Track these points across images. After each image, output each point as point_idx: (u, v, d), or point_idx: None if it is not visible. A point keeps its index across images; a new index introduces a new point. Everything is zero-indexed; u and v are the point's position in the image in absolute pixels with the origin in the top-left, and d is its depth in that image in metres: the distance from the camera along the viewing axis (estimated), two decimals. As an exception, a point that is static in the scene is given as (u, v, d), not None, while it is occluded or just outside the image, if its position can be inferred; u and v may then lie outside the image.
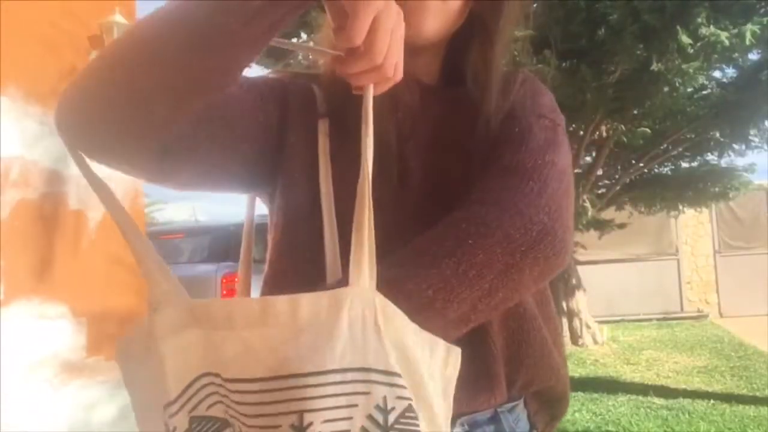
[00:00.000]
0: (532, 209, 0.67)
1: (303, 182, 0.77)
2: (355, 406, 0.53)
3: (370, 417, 0.53)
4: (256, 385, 0.53)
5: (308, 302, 0.55)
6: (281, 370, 0.53)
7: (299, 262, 0.76)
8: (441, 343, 0.60)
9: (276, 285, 0.78)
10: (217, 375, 0.55)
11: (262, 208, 0.89)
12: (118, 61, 0.60)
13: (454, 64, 0.86)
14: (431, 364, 0.59)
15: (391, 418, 0.54)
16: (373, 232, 0.57)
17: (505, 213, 0.66)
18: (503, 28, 0.84)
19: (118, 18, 3.26)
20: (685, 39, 4.82)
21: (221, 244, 6.44)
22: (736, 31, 4.78)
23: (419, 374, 0.57)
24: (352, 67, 0.62)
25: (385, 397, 0.53)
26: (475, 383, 0.75)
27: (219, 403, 0.56)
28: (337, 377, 0.53)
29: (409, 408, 0.55)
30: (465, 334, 0.67)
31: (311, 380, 0.52)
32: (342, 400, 0.53)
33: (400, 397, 0.55)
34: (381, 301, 0.56)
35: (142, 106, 0.59)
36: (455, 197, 0.73)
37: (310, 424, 0.51)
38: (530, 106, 0.81)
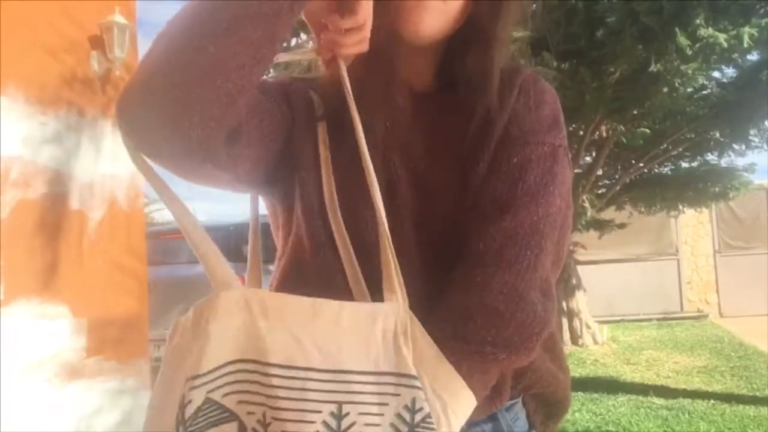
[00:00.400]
0: (529, 306, 0.72)
1: (310, 183, 0.77)
2: (387, 404, 0.60)
3: (399, 415, 0.60)
4: (302, 372, 0.60)
5: (350, 310, 0.63)
6: (325, 364, 0.60)
7: (316, 264, 0.76)
8: (464, 388, 0.65)
9: (294, 275, 0.79)
10: (254, 361, 0.60)
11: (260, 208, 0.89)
12: (176, 48, 0.62)
13: (448, 70, 0.85)
14: (441, 396, 0.64)
15: (417, 417, 0.60)
16: (394, 255, 0.66)
17: (501, 319, 0.70)
18: (502, 31, 0.83)
19: (118, 18, 3.26)
20: (683, 40, 4.82)
21: (221, 244, 6.39)
22: (734, 32, 4.78)
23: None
24: (344, 24, 0.70)
25: (414, 399, 0.61)
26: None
27: (240, 393, 0.60)
28: (372, 378, 0.61)
29: (429, 414, 0.61)
30: None
31: (351, 377, 0.60)
32: (375, 398, 0.60)
33: (424, 401, 0.61)
34: (412, 318, 0.64)
35: (207, 83, 0.61)
36: (443, 207, 0.77)
37: (347, 413, 0.59)
38: (529, 123, 0.79)
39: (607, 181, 8.04)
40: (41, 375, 2.88)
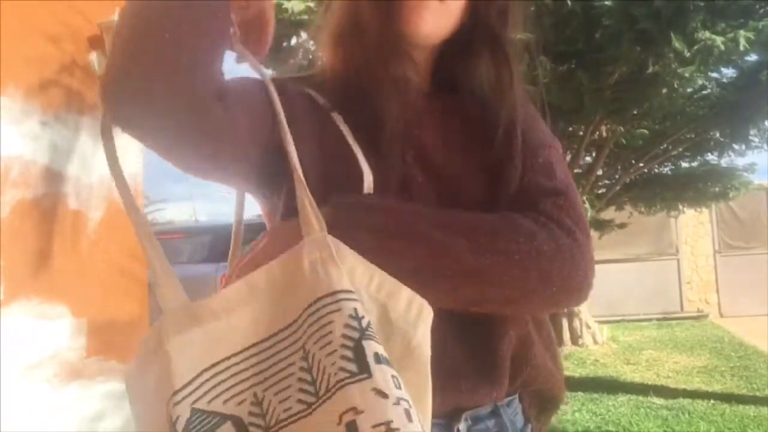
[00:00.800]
0: (581, 262, 0.81)
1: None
2: (332, 322, 0.60)
3: (347, 325, 0.60)
4: (268, 341, 0.62)
5: (279, 263, 0.65)
6: (282, 322, 0.62)
7: None
8: (404, 291, 0.67)
9: None
10: (226, 359, 0.62)
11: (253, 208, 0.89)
12: (140, 33, 0.66)
13: (446, 71, 0.86)
14: (380, 300, 0.66)
15: (364, 323, 0.60)
16: (309, 193, 0.67)
17: (558, 254, 0.76)
18: (511, 31, 0.85)
19: (118, 18, 3.26)
20: (679, 45, 4.82)
21: (221, 244, 6.44)
22: (731, 35, 4.78)
23: (361, 298, 0.64)
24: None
25: (355, 309, 0.61)
26: (479, 377, 0.78)
27: (224, 392, 0.61)
28: (313, 308, 0.61)
29: (370, 321, 0.62)
30: (477, 327, 0.75)
31: (301, 319, 0.62)
32: (320, 323, 0.60)
33: (364, 309, 0.62)
34: (333, 241, 0.65)
35: (182, 51, 0.65)
36: (466, 205, 0.77)
37: (309, 350, 0.60)
38: (539, 131, 0.87)
39: (607, 181, 8.04)
40: (41, 375, 2.88)
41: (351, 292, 0.63)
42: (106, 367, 3.17)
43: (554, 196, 0.79)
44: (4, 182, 2.84)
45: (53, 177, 3.09)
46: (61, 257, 3.05)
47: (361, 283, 0.65)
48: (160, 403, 0.61)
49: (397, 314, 0.66)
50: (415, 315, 0.66)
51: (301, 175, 0.69)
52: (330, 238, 0.66)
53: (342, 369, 0.58)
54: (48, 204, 3.04)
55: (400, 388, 0.58)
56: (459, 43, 0.84)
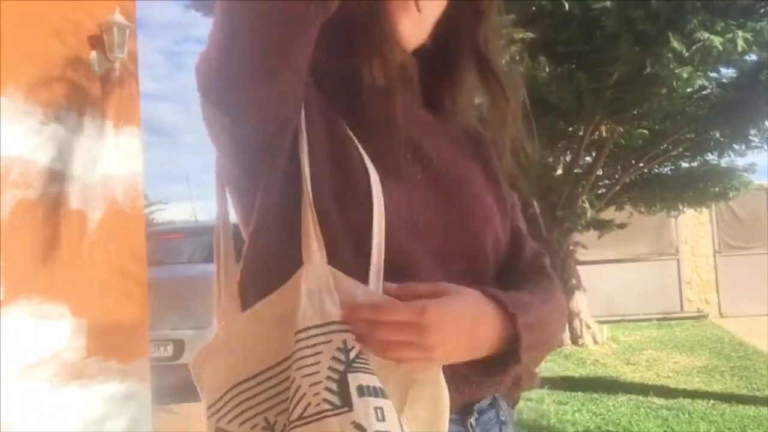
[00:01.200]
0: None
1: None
2: (321, 353, 0.63)
3: (334, 358, 0.63)
4: (275, 368, 0.67)
5: (278, 292, 0.69)
6: (284, 350, 0.66)
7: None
8: None
9: None
10: (247, 380, 0.68)
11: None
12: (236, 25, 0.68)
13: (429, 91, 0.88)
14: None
15: (352, 355, 0.63)
16: (315, 217, 0.69)
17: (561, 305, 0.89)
18: (490, 40, 0.87)
19: (118, 18, 3.26)
20: (677, 45, 4.82)
21: (221, 244, 6.41)
22: (729, 35, 4.78)
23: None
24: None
25: (344, 341, 0.64)
26: (497, 374, 0.80)
27: (242, 413, 0.68)
28: (303, 335, 0.64)
29: (362, 350, 0.65)
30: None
31: (294, 346, 0.64)
32: (310, 351, 0.64)
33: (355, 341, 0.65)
34: (332, 270, 0.67)
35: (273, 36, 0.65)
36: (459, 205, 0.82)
37: (294, 378, 0.63)
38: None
39: (607, 181, 8.04)
40: (41, 375, 2.88)
41: (340, 323, 0.65)
42: (106, 367, 3.17)
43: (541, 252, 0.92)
44: (4, 182, 2.84)
45: (53, 177, 3.09)
46: (61, 257, 3.05)
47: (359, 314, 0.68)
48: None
49: None
50: None
51: (311, 196, 0.70)
52: (330, 269, 0.68)
53: (325, 400, 0.61)
54: (48, 204, 3.04)
55: (383, 419, 0.61)
56: (445, 65, 0.88)
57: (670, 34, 4.81)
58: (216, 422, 0.68)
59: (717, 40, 4.71)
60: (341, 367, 0.62)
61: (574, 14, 5.37)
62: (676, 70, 5.04)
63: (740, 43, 4.71)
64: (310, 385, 0.62)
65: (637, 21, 4.95)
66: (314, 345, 0.64)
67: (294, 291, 0.67)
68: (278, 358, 0.67)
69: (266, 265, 0.76)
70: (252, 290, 0.76)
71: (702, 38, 4.76)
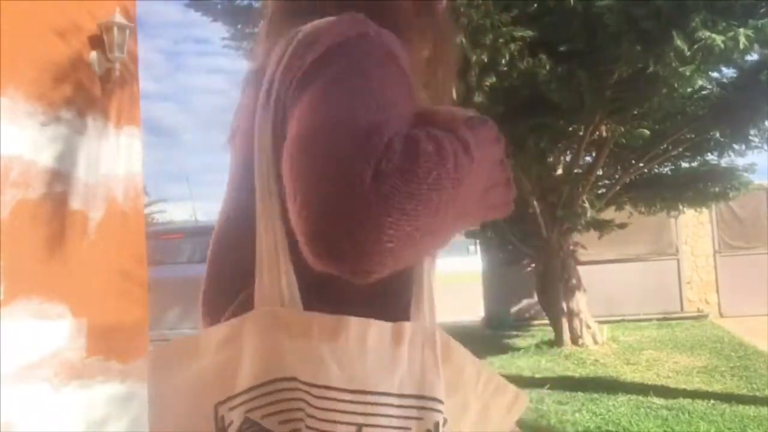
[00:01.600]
0: None
1: None
2: (409, 429, 0.59)
3: None
4: (325, 391, 0.59)
5: (376, 329, 0.60)
6: (349, 384, 0.58)
7: None
8: (510, 389, 0.69)
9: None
10: (294, 379, 0.60)
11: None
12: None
13: None
14: (484, 398, 0.68)
15: None
16: (428, 276, 0.65)
17: None
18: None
19: (118, 18, 3.26)
20: (680, 43, 4.82)
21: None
22: (731, 34, 4.78)
23: (466, 399, 0.65)
24: None
25: (437, 423, 0.60)
26: None
27: (281, 413, 0.60)
28: (395, 401, 0.59)
29: None
30: None
31: (374, 399, 0.58)
32: (396, 422, 0.59)
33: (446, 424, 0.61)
34: (442, 336, 0.63)
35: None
36: None
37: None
38: None
39: (607, 181, 8.04)
40: (41, 375, 2.88)
41: (440, 402, 0.61)
42: (106, 367, 3.17)
43: None
44: (4, 182, 2.83)
45: (53, 177, 3.09)
46: (61, 257, 3.05)
47: (469, 381, 0.66)
48: (202, 399, 0.61)
49: (497, 411, 0.68)
50: (515, 411, 0.69)
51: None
52: (439, 332, 0.63)
53: None
54: (48, 204, 3.04)
55: None
56: None
57: (674, 32, 4.80)
58: (245, 413, 0.60)
59: (719, 39, 4.71)
60: None
61: (576, 12, 5.37)
62: (679, 69, 5.03)
63: (742, 40, 4.70)
64: None
65: (639, 19, 4.95)
66: (405, 417, 0.59)
67: (393, 342, 0.61)
68: (332, 383, 0.59)
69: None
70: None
71: (704, 37, 4.76)
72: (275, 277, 0.61)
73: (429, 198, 0.51)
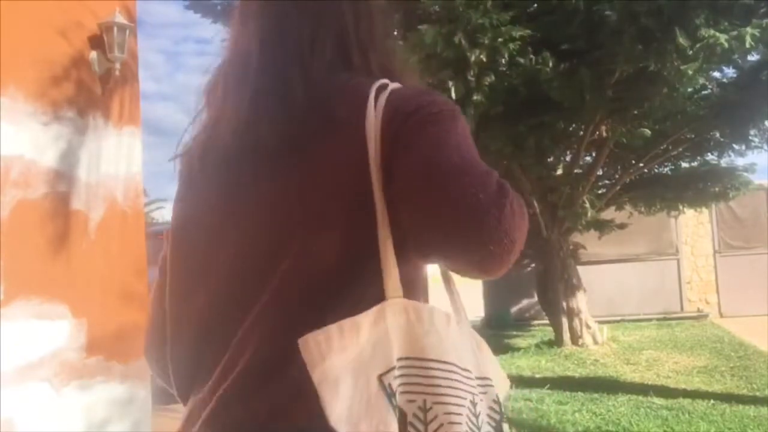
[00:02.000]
0: None
1: None
2: (482, 401, 0.78)
3: (491, 408, 0.80)
4: (450, 366, 0.74)
5: (456, 320, 0.80)
6: (461, 362, 0.76)
7: None
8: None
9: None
10: (415, 358, 0.73)
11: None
12: None
13: None
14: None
15: (502, 409, 0.80)
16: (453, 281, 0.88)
17: None
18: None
19: (118, 18, 3.26)
20: (682, 41, 4.82)
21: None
22: (735, 33, 4.77)
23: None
24: None
25: (496, 395, 0.81)
26: None
27: (403, 385, 0.72)
28: (478, 381, 0.79)
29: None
30: None
31: (470, 375, 0.77)
32: (478, 397, 0.77)
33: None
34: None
35: None
36: None
37: (476, 403, 0.77)
38: None
39: (607, 181, 8.04)
40: (41, 375, 2.88)
41: (490, 380, 0.82)
42: (106, 368, 3.17)
43: None
44: (4, 182, 2.83)
45: (53, 177, 3.09)
46: (61, 257, 3.05)
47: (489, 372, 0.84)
48: (374, 366, 0.72)
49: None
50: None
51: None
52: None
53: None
54: (48, 204, 3.04)
55: None
56: None
57: (677, 29, 4.79)
58: (389, 381, 0.72)
59: (722, 38, 4.71)
60: (497, 417, 0.79)
61: (578, 10, 5.37)
62: (681, 67, 5.02)
63: (748, 39, 4.70)
64: (479, 415, 0.76)
65: (641, 16, 4.94)
66: (479, 394, 0.77)
67: (468, 330, 0.82)
68: (453, 360, 0.75)
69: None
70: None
71: (707, 35, 4.76)
72: (395, 276, 0.75)
73: (525, 223, 0.73)
